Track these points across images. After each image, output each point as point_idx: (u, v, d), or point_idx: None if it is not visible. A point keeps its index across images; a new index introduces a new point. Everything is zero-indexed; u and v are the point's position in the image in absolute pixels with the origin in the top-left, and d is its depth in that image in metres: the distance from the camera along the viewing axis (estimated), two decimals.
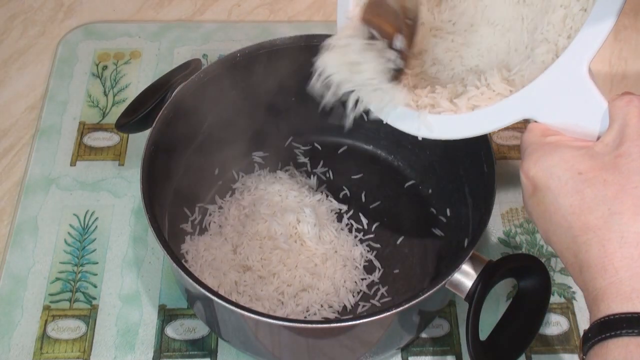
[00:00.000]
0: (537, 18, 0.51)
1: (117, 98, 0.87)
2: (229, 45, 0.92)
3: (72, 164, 0.81)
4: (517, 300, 0.59)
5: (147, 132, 0.65)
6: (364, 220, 0.75)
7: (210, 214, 0.74)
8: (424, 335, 0.68)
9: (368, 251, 0.72)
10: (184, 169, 0.72)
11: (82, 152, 0.82)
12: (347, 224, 0.74)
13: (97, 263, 0.73)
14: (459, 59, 0.56)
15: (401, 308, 0.54)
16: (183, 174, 0.72)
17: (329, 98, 0.56)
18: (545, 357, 0.68)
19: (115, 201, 0.77)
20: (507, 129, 0.84)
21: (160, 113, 0.65)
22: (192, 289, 0.57)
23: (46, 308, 0.70)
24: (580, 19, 0.47)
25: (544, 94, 0.47)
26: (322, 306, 0.68)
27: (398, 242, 0.73)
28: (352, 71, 0.54)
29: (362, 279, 0.71)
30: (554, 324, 0.70)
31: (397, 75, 0.53)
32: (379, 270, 0.71)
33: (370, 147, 0.81)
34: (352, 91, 0.56)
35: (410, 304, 0.54)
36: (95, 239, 0.75)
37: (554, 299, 0.71)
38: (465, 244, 0.64)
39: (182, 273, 0.55)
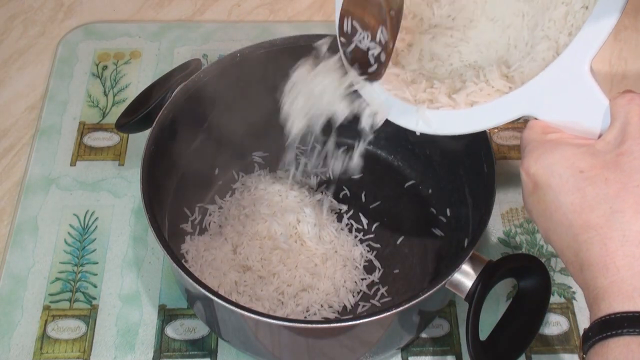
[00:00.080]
0: (537, 15, 0.50)
1: (117, 98, 0.87)
2: (229, 45, 0.92)
3: (72, 164, 0.81)
4: (517, 300, 0.59)
5: (147, 132, 0.65)
6: (364, 220, 0.75)
7: (210, 214, 0.74)
8: (424, 335, 0.68)
9: (368, 251, 0.72)
10: (184, 169, 0.72)
11: (82, 152, 0.82)
12: (347, 224, 0.74)
13: (97, 263, 0.73)
14: (458, 54, 0.56)
15: (401, 308, 0.54)
16: (183, 174, 0.72)
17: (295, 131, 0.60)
18: (545, 357, 0.68)
19: (115, 201, 0.77)
20: (507, 128, 0.84)
21: (160, 113, 0.65)
22: (192, 289, 0.57)
23: (46, 308, 0.70)
24: (581, 16, 0.47)
25: (545, 91, 0.47)
26: (322, 306, 0.67)
27: (398, 242, 0.73)
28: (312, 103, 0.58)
29: (362, 279, 0.71)
30: (554, 324, 0.70)
31: (377, 70, 0.53)
32: (379, 270, 0.71)
33: (370, 147, 0.81)
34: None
35: (410, 304, 0.54)
36: (95, 239, 0.75)
37: (554, 299, 0.71)
38: (465, 244, 0.64)
39: (182, 273, 0.55)
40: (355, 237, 0.73)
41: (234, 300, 0.64)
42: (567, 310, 0.71)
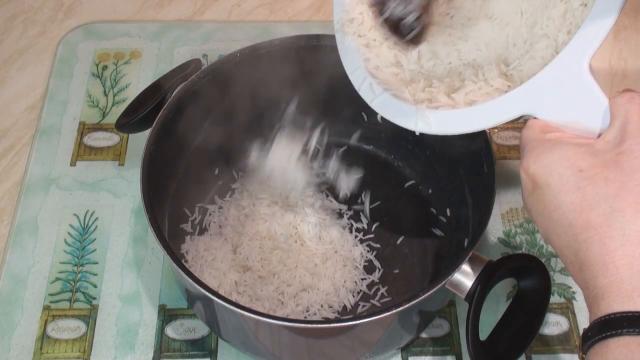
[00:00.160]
0: (536, 13, 0.50)
1: (117, 98, 0.87)
2: (229, 45, 0.92)
3: (72, 164, 0.81)
4: (517, 300, 0.59)
5: (147, 132, 0.65)
6: (364, 220, 0.75)
7: (210, 214, 0.74)
8: (424, 335, 0.68)
9: (368, 251, 0.72)
10: (184, 169, 0.72)
11: (82, 152, 0.82)
12: (347, 224, 0.74)
13: (97, 263, 0.73)
14: (457, 53, 0.55)
15: (401, 308, 0.54)
16: (183, 174, 0.72)
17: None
18: (545, 357, 0.68)
19: (115, 201, 0.77)
20: (507, 128, 0.84)
21: (160, 113, 0.65)
22: (192, 289, 0.57)
23: (46, 308, 0.70)
24: (580, 14, 0.47)
25: (544, 90, 0.47)
26: (322, 306, 0.67)
27: (398, 242, 0.73)
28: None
29: (362, 279, 0.71)
30: (554, 324, 0.70)
31: (419, 34, 0.53)
32: (379, 270, 0.71)
33: (370, 147, 0.81)
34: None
35: (410, 304, 0.54)
36: (95, 239, 0.75)
37: (554, 299, 0.71)
38: (465, 244, 0.64)
39: (182, 273, 0.55)
40: (355, 237, 0.73)
41: (234, 300, 0.64)
42: (567, 310, 0.71)
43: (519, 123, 0.82)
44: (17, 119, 0.85)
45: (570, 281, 0.73)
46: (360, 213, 0.75)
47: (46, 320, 0.69)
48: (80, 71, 0.89)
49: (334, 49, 0.60)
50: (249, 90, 0.72)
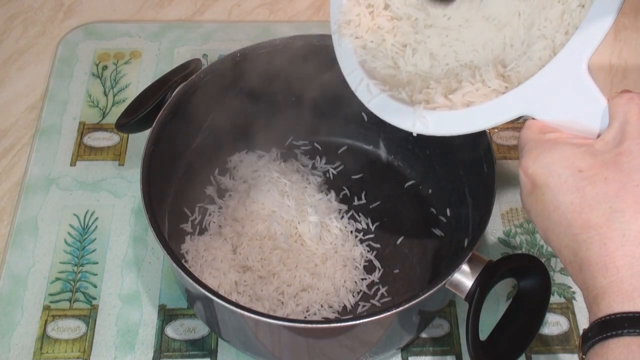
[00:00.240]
0: (534, 14, 0.50)
1: (117, 98, 0.87)
2: (229, 45, 0.92)
3: (72, 164, 0.81)
4: (517, 300, 0.59)
5: (147, 132, 0.65)
6: (364, 220, 0.75)
7: (210, 214, 0.74)
8: (424, 335, 0.68)
9: (368, 251, 0.72)
10: (184, 169, 0.72)
11: (82, 152, 0.82)
12: (347, 224, 0.74)
13: (97, 263, 0.73)
14: (454, 54, 0.55)
15: (401, 308, 0.54)
16: (183, 174, 0.72)
17: None
18: (545, 357, 0.68)
19: (115, 201, 0.77)
20: (507, 128, 0.84)
21: (160, 113, 0.65)
22: (192, 289, 0.57)
23: (46, 308, 0.70)
24: (578, 15, 0.47)
25: (542, 91, 0.47)
26: (322, 306, 0.68)
27: (398, 242, 0.73)
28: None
29: (362, 279, 0.71)
30: (554, 324, 0.70)
31: None
32: (379, 270, 0.71)
33: (370, 147, 0.81)
34: None
35: (410, 304, 0.54)
36: (95, 239, 0.75)
37: (554, 299, 0.71)
38: (465, 244, 0.64)
39: (182, 273, 0.55)
40: (355, 237, 0.73)
41: (234, 300, 0.64)
42: (567, 310, 0.71)
43: (519, 123, 0.82)
44: (17, 119, 0.85)
45: (570, 281, 0.73)
46: (361, 213, 0.75)
47: (46, 320, 0.69)
48: (80, 71, 0.89)
49: (334, 48, 0.60)
50: (248, 90, 0.72)
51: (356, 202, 0.76)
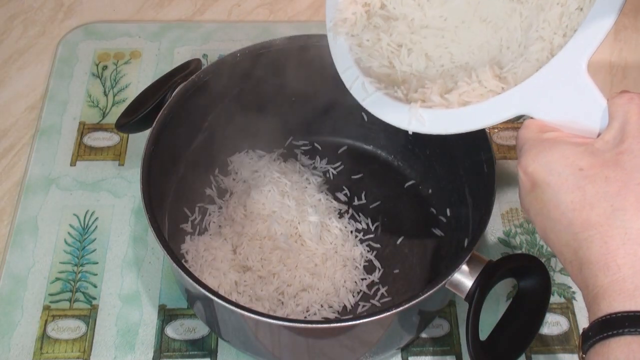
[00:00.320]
0: (531, 15, 0.50)
1: (117, 98, 0.87)
2: (229, 45, 0.92)
3: (72, 164, 0.81)
4: (517, 300, 0.59)
5: (147, 132, 0.65)
6: (364, 220, 0.75)
7: (210, 214, 0.74)
8: (424, 335, 0.68)
9: (368, 251, 0.72)
10: (184, 169, 0.72)
11: (82, 152, 0.82)
12: (347, 224, 0.74)
13: (97, 263, 0.73)
14: (449, 55, 0.55)
15: (401, 308, 0.54)
16: (183, 174, 0.72)
17: None
18: (545, 357, 0.68)
19: (115, 201, 0.77)
20: (507, 128, 0.84)
21: (160, 113, 0.65)
22: (192, 289, 0.57)
23: (46, 308, 0.70)
24: (576, 17, 0.47)
25: (541, 90, 0.47)
26: (322, 306, 0.68)
27: (398, 242, 0.73)
28: None
29: (362, 279, 0.71)
30: (554, 324, 0.70)
31: None
32: (379, 270, 0.71)
33: (370, 147, 0.81)
34: None
35: (410, 304, 0.54)
36: (95, 239, 0.75)
37: (554, 299, 0.71)
38: (465, 244, 0.64)
39: (182, 273, 0.55)
40: (355, 237, 0.73)
41: (234, 300, 0.64)
42: (567, 310, 0.71)
43: (519, 123, 0.83)
44: (17, 119, 0.85)
45: (570, 281, 0.73)
46: (361, 213, 0.75)
47: (46, 320, 0.69)
48: (80, 71, 0.89)
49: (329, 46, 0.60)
50: (248, 90, 0.72)
51: (356, 202, 0.76)
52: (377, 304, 0.69)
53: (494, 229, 0.76)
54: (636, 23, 0.96)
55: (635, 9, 0.97)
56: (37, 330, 0.68)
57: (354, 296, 0.69)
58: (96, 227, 0.75)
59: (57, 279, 0.72)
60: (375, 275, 0.71)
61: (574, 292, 0.72)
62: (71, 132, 0.83)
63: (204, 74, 0.68)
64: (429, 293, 0.55)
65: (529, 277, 0.58)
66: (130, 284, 0.71)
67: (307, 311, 0.67)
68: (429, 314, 0.65)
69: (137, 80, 0.88)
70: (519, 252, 0.75)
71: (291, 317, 0.66)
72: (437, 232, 0.73)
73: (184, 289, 0.67)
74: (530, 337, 0.57)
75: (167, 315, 0.70)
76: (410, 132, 0.53)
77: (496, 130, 0.84)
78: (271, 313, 0.66)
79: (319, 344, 0.61)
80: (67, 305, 0.70)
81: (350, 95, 0.57)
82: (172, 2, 0.98)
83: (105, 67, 0.90)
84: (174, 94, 0.67)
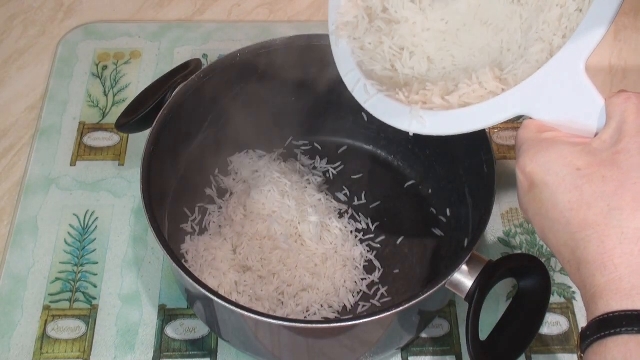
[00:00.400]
0: (531, 17, 0.50)
1: (117, 98, 0.87)
2: (229, 45, 0.92)
3: (72, 164, 0.81)
4: (517, 300, 0.59)
5: (147, 132, 0.65)
6: (364, 220, 0.75)
7: (210, 214, 0.74)
8: (424, 335, 0.68)
9: (368, 251, 0.72)
10: (184, 169, 0.72)
11: (82, 152, 0.82)
12: (347, 224, 0.74)
13: (97, 263, 0.73)
14: (451, 58, 0.55)
15: (401, 308, 0.54)
16: (183, 174, 0.72)
17: None
18: (545, 357, 0.68)
19: (115, 201, 0.77)
20: (506, 128, 0.84)
21: (160, 113, 0.65)
22: (192, 289, 0.57)
23: (46, 308, 0.70)
24: (575, 18, 0.47)
25: (540, 90, 0.47)
26: (322, 306, 0.68)
27: (398, 242, 0.73)
28: None
29: (362, 279, 0.71)
30: (554, 324, 0.70)
31: None
32: (379, 270, 0.71)
33: (370, 147, 0.81)
34: None
35: (410, 304, 0.54)
36: (95, 239, 0.75)
37: (554, 299, 0.71)
38: (465, 244, 0.64)
39: (182, 273, 0.55)
40: (355, 237, 0.73)
41: (234, 300, 0.64)
42: (567, 310, 0.71)
43: (518, 123, 0.82)
44: (17, 119, 0.85)
45: (570, 281, 0.72)
46: (361, 213, 0.75)
47: (46, 320, 0.69)
48: (80, 71, 0.89)
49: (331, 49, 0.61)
50: (248, 90, 0.72)
51: (356, 202, 0.76)
52: (377, 304, 0.69)
53: (494, 229, 0.76)
54: (636, 23, 0.96)
55: (635, 9, 0.97)
56: (37, 330, 0.68)
57: (354, 296, 0.69)
58: (96, 227, 0.75)
59: (57, 279, 0.72)
60: (375, 275, 0.71)
61: (574, 292, 0.72)
62: (71, 132, 0.83)
63: (204, 74, 0.68)
64: (429, 293, 0.55)
65: (529, 277, 0.58)
66: (130, 284, 0.72)
67: (307, 311, 0.67)
68: (429, 314, 0.65)
69: (137, 80, 0.88)
70: (519, 252, 0.75)
71: (291, 317, 0.66)
72: (437, 232, 0.73)
73: (184, 289, 0.67)
74: (530, 337, 0.57)
75: (167, 315, 0.70)
76: (411, 134, 0.53)
77: (496, 131, 0.84)
78: (271, 313, 0.66)
79: (319, 344, 0.61)
80: (67, 305, 0.70)
81: (351, 95, 0.58)
82: (172, 2, 0.98)
83: (105, 67, 0.90)
84: (174, 94, 0.67)
